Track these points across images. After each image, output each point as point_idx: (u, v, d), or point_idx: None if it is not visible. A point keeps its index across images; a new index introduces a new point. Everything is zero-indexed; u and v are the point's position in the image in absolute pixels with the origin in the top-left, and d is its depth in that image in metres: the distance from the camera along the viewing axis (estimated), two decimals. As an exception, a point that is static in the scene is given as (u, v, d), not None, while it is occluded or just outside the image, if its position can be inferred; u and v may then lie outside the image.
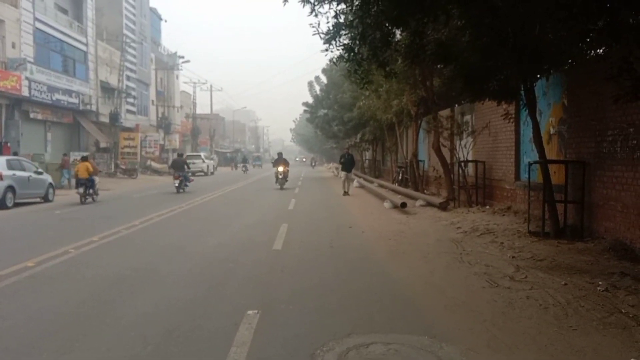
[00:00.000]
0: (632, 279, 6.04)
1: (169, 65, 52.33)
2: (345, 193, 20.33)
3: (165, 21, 58.98)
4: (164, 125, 48.03)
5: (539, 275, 6.53)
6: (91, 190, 17.85)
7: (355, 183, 23.82)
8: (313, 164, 66.62)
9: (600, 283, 5.96)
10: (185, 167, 23.27)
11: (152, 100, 47.56)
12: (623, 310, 5.04)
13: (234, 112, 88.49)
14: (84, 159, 18.89)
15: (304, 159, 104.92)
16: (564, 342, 4.37)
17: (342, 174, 21.51)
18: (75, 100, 31.57)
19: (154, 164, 41.20)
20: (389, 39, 8.80)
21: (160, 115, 48.07)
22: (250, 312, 5.15)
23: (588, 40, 7.78)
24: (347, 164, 21.36)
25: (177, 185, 21.98)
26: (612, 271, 6.48)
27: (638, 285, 5.83)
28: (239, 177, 38.68)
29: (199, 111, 62.24)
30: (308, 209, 15.62)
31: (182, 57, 53.24)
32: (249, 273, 7.08)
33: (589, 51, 8.64)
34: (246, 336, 4.51)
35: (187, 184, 22.84)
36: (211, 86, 65.47)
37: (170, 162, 30.28)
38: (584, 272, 6.54)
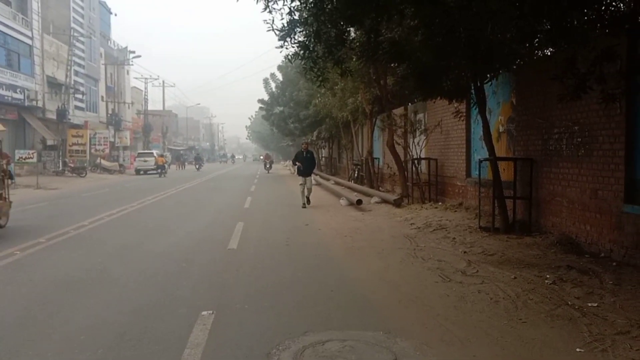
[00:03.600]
0: (578, 272, 6.30)
1: (119, 60, 50.88)
2: (305, 204, 14.96)
3: (115, 15, 57.43)
4: (114, 122, 46.68)
5: (489, 269, 6.72)
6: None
7: (312, 181, 16.41)
8: (268, 165, 43.85)
9: (547, 276, 6.19)
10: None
11: (102, 96, 46.12)
12: (569, 303, 5.25)
13: (188, 108, 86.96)
14: None
15: (261, 157, 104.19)
16: (514, 334, 4.51)
17: (300, 179, 15.14)
18: (20, 96, 30.27)
19: (104, 162, 39.98)
20: (344, 37, 8.84)
21: (110, 111, 46.68)
22: (204, 312, 5.07)
23: (536, 40, 8.04)
24: (307, 165, 15.30)
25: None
26: (558, 264, 6.74)
27: (583, 277, 6.09)
28: (192, 176, 38.02)
29: (151, 107, 60.83)
30: (264, 207, 15.52)
31: (133, 52, 52.05)
32: (204, 273, 6.97)
33: (536, 52, 8.94)
34: (200, 337, 4.43)
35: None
36: (163, 82, 64.10)
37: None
38: (533, 266, 6.78)
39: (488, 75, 9.60)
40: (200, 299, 5.66)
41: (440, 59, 8.79)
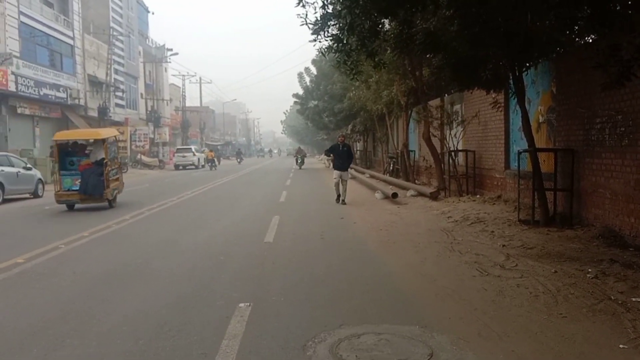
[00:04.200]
0: (621, 266, 6.09)
1: (157, 58, 51.90)
2: (339, 199, 14.19)
3: (153, 13, 58.57)
4: (154, 118, 47.73)
5: (529, 263, 6.57)
6: None
7: (349, 176, 15.15)
8: (299, 160, 39.55)
9: (589, 270, 6.01)
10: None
11: (141, 94, 47.22)
12: (612, 297, 5.09)
13: (224, 104, 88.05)
14: None
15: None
16: (554, 329, 4.41)
17: (335, 173, 14.33)
18: (63, 95, 31.26)
19: (144, 158, 40.98)
20: (378, 29, 8.76)
21: (149, 108, 47.74)
22: (242, 304, 5.15)
23: (577, 28, 7.79)
24: (343, 158, 14.37)
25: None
26: (601, 258, 6.53)
27: (627, 271, 5.88)
28: (233, 169, 38.53)
29: (188, 104, 61.89)
30: (299, 201, 15.61)
31: (171, 50, 52.96)
32: (241, 266, 7.07)
33: (577, 39, 8.66)
34: (238, 329, 4.51)
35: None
36: (200, 78, 65.12)
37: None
38: (574, 260, 6.59)
39: (527, 65, 9.36)
40: (237, 291, 5.74)
41: (477, 49, 8.62)
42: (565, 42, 8.57)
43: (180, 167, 40.68)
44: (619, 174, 7.78)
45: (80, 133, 18.45)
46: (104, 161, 14.07)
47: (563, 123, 9.56)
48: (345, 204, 13.86)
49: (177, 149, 45.57)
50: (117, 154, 16.58)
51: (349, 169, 15.02)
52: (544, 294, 5.31)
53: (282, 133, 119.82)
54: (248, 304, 5.18)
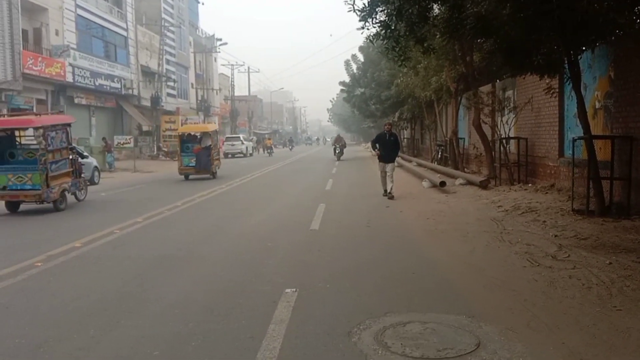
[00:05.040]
0: (683, 258, 5.80)
1: (207, 48, 52.85)
2: (388, 193, 12.93)
3: (203, 4, 59.43)
4: (204, 107, 48.75)
5: (582, 254, 6.35)
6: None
7: (395, 168, 13.62)
8: (338, 150, 33.81)
9: (648, 262, 5.75)
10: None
11: (192, 84, 48.25)
12: (672, 291, 4.86)
13: (271, 93, 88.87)
14: None
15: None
16: (608, 322, 4.25)
17: (381, 165, 13.26)
18: (118, 85, 32.36)
19: (195, 146, 41.88)
20: (427, 14, 8.62)
21: (199, 98, 48.76)
22: (288, 290, 5.23)
23: (637, 9, 7.39)
24: (389, 149, 13.26)
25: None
26: (660, 250, 6.24)
27: (689, 264, 5.60)
28: (284, 156, 38.93)
29: (236, 93, 62.83)
30: (345, 189, 15.62)
31: (220, 40, 53.81)
32: (287, 253, 7.16)
33: (638, 20, 8.22)
34: (284, 314, 4.58)
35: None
36: (249, 68, 65.87)
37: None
38: (630, 251, 6.32)
39: (582, 48, 8.96)
40: (283, 277, 5.83)
41: (531, 33, 8.32)
42: (625, 24, 8.14)
43: (230, 155, 41.42)
44: (683, 162, 7.37)
45: (193, 127, 25.66)
46: (210, 146, 19.99)
47: (621, 109, 9.12)
48: (393, 197, 12.66)
49: (226, 137, 46.36)
50: (218, 141, 23.36)
51: (396, 160, 14.05)
52: (598, 286, 5.13)
53: (328, 121, 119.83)
54: (294, 289, 5.26)
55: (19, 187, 11.51)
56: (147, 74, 37.44)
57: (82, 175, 13.54)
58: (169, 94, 41.28)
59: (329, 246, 7.53)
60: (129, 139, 30.12)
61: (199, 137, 21.17)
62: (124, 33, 33.98)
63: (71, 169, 12.62)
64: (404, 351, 3.80)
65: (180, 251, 7.35)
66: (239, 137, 46.20)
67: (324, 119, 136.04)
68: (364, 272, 6.02)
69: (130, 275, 6.14)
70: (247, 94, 69.17)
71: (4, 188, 11.49)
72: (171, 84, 41.61)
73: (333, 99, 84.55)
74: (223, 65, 59.57)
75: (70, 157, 12.78)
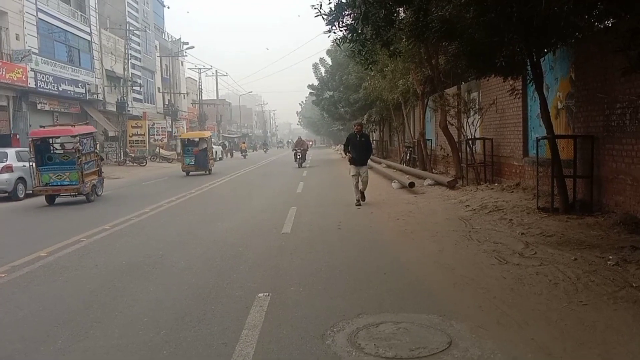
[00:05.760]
0: (643, 253, 6.00)
1: (173, 52, 52.16)
2: (360, 201, 11.89)
3: (168, 7, 58.74)
4: (171, 112, 48.07)
5: (548, 251, 6.52)
6: None
7: (367, 172, 12.35)
8: (299, 156, 29.21)
9: (610, 257, 5.94)
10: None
11: (158, 88, 47.57)
12: (634, 285, 5.02)
13: (240, 97, 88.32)
14: None
15: (310, 142, 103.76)
16: (575, 317, 4.38)
17: (352, 169, 11.94)
18: (82, 90, 31.64)
19: (163, 152, 41.34)
20: (393, 17, 8.70)
21: (166, 102, 48.09)
22: (260, 295, 5.21)
23: (596, 12, 7.63)
24: (361, 151, 11.98)
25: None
26: (622, 245, 6.44)
27: (648, 258, 5.80)
28: (257, 159, 38.70)
29: (205, 97, 62.23)
30: (316, 192, 15.65)
31: (186, 44, 53.16)
32: (259, 257, 7.13)
33: (596, 24, 8.49)
34: (257, 319, 4.56)
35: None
36: (216, 71, 65.31)
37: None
38: (594, 247, 6.52)
39: (544, 50, 9.21)
40: (256, 281, 5.81)
41: (494, 36, 8.50)
42: (584, 26, 8.41)
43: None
44: (641, 159, 7.65)
45: (193, 134, 31.69)
46: (206, 149, 25.79)
47: (582, 109, 9.41)
48: (364, 199, 12.01)
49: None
50: (212, 145, 29.19)
51: (368, 163, 12.75)
52: (564, 282, 5.27)
53: (298, 124, 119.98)
54: (267, 294, 5.24)
55: (58, 184, 14.57)
56: (112, 78, 36.74)
57: (102, 174, 16.48)
58: (135, 99, 40.59)
59: (301, 249, 7.53)
60: (95, 144, 29.46)
61: (197, 141, 26.64)
62: (88, 37, 33.26)
63: (97, 169, 15.70)
64: (377, 352, 3.83)
65: (150, 258, 7.23)
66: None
67: (294, 122, 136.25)
68: (337, 274, 6.04)
69: (99, 284, 6.01)
70: (215, 97, 68.57)
71: (47, 184, 14.55)
72: (137, 88, 40.92)
73: (302, 102, 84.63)
74: (190, 69, 58.98)
75: (96, 159, 15.71)
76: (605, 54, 7.96)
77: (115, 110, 36.14)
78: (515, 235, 7.63)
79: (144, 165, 33.57)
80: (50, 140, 15.62)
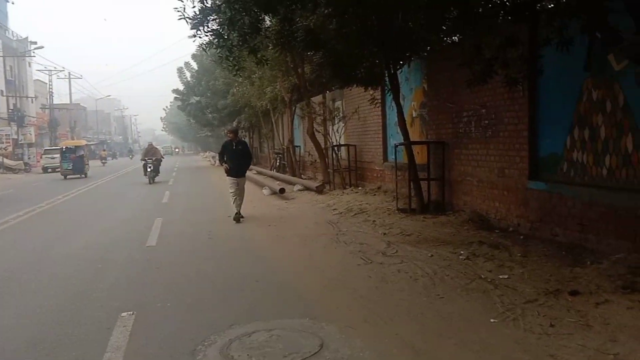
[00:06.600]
0: (489, 247, 6.68)
1: (19, 51, 47.21)
2: (239, 215, 10.48)
3: (13, 3, 53.15)
4: (17, 117, 43.39)
5: (408, 249, 6.97)
6: None
7: (245, 185, 11.08)
8: (150, 168, 21.73)
9: (462, 252, 6.52)
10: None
11: (2, 91, 42.68)
12: (482, 276, 5.55)
13: (97, 101, 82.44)
14: None
15: (177, 149, 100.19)
16: (433, 310, 4.72)
17: (231, 181, 10.52)
18: None
19: (7, 161, 37.15)
20: (259, 25, 8.71)
21: (11, 107, 43.30)
22: (124, 314, 4.88)
23: (444, 28, 8.34)
24: (239, 161, 10.61)
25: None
26: (471, 240, 7.10)
27: (494, 251, 6.46)
28: (114, 168, 36.26)
29: (57, 101, 57.16)
30: (184, 201, 15.14)
31: (35, 43, 48.39)
32: (121, 273, 6.69)
33: (445, 39, 9.29)
34: (121, 340, 4.27)
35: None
36: (69, 73, 60.34)
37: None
38: (448, 243, 7.11)
39: (400, 63, 9.87)
40: (118, 300, 5.43)
41: (354, 47, 8.93)
42: (435, 41, 9.15)
43: (50, 170, 37.34)
44: (484, 162, 8.52)
45: (71, 142, 35.70)
46: (83, 155, 29.52)
47: (434, 117, 10.24)
48: (242, 217, 10.55)
49: (45, 150, 41.76)
50: (87, 152, 34.23)
51: (246, 174, 11.21)
52: (423, 277, 5.66)
53: (162, 130, 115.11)
54: (131, 312, 4.92)
55: (70, 167, 28.00)
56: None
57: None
58: (-29, 103, 36.05)
59: (167, 262, 7.20)
60: None
61: (74, 148, 29.88)
62: None
63: (87, 164, 28.60)
64: (250, 362, 3.78)
65: (-7, 282, 6.43)
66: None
67: (158, 128, 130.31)
68: (207, 286, 5.88)
69: None
70: (68, 101, 63.26)
71: (67, 169, 28.03)
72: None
73: (167, 107, 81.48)
74: (40, 70, 53.82)
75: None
76: (453, 67, 8.71)
77: (-54, 115, 31.76)
78: (378, 235, 8.05)
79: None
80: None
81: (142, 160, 22.80)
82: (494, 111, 8.15)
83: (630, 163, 5.89)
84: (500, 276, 5.49)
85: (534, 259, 6.08)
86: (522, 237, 7.28)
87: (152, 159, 21.99)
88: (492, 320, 4.38)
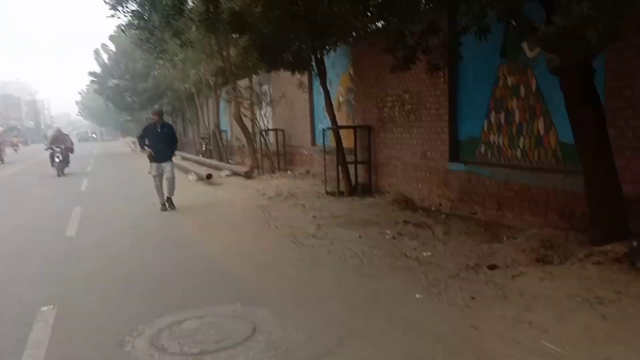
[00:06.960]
0: (413, 226, 6.96)
1: None
2: (166, 205, 9.95)
3: None
4: None
5: (337, 231, 7.11)
6: None
7: (174, 170, 10.23)
8: (59, 159, 18.12)
9: (388, 232, 6.74)
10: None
11: None
12: (408, 254, 5.78)
13: (5, 84, 76.81)
14: None
15: (94, 134, 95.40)
16: (363, 288, 4.86)
17: (153, 167, 9.84)
18: None
19: None
20: (182, 6, 8.47)
21: None
22: (44, 308, 4.64)
23: (369, 14, 8.48)
24: (163, 145, 9.79)
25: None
26: (397, 221, 7.36)
27: (418, 230, 6.74)
28: (30, 154, 33.97)
29: (-43, 84, 52.61)
30: (104, 189, 14.52)
31: None
32: (39, 266, 6.34)
33: (370, 25, 9.45)
34: (42, 335, 4.07)
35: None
36: (-29, 54, 55.63)
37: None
38: (375, 224, 7.32)
39: (327, 48, 9.93)
40: (37, 294, 5.15)
41: (281, 31, 8.88)
42: (360, 27, 9.29)
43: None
44: (408, 146, 8.81)
45: None
46: None
47: (360, 102, 10.43)
48: (175, 208, 9.99)
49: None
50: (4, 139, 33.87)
51: (172, 159, 10.21)
52: (352, 258, 5.81)
53: (78, 115, 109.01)
54: (52, 306, 4.69)
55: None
56: None
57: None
58: None
59: (89, 253, 6.91)
60: None
61: None
62: None
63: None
64: (182, 350, 3.73)
65: None
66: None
67: (73, 113, 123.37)
68: (134, 276, 5.70)
69: None
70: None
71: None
72: None
73: (83, 90, 77.25)
74: None
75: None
76: (377, 53, 8.88)
77: None
78: (309, 218, 8.13)
79: None
80: None
81: (48, 148, 18.88)
82: (417, 96, 8.42)
83: (542, 145, 6.32)
84: (424, 253, 5.74)
85: (455, 236, 6.40)
86: (443, 215, 7.63)
87: (61, 147, 18.57)
88: (417, 295, 4.57)
